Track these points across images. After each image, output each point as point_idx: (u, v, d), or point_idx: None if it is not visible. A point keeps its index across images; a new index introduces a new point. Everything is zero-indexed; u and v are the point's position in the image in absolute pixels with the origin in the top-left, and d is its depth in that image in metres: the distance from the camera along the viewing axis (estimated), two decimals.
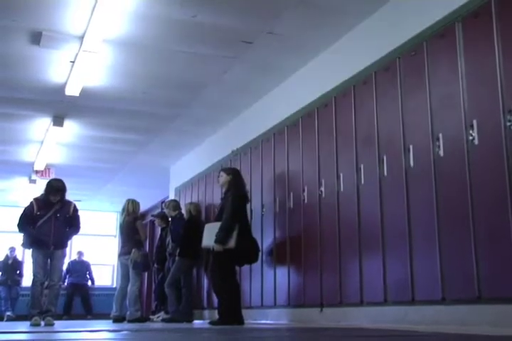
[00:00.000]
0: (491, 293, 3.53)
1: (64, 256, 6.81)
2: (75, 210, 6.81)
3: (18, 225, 6.67)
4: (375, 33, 5.02)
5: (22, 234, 6.76)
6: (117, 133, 8.57)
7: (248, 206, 6.21)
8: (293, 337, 3.40)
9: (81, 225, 6.88)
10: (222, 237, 5.48)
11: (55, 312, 6.71)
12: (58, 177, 8.65)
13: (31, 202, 6.73)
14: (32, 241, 6.58)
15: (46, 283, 6.74)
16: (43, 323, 6.34)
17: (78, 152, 9.47)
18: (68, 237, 6.85)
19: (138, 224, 7.99)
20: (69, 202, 6.80)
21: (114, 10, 4.89)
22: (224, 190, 6.06)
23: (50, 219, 6.57)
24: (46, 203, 6.63)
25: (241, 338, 3.31)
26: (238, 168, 6.64)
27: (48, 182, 6.78)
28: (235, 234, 5.50)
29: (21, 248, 8.21)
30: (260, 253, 6.00)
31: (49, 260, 6.63)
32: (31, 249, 6.66)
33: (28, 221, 6.62)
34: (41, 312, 6.45)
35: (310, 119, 5.79)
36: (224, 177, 6.05)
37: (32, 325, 6.21)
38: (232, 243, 5.49)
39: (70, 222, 6.73)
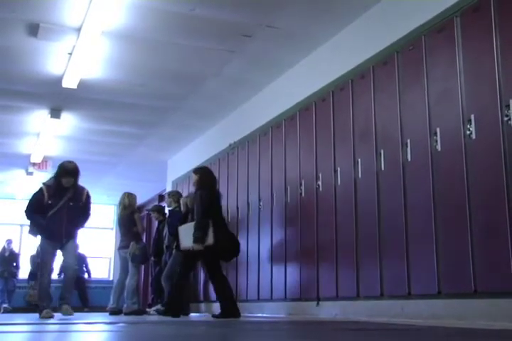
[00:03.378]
0: (486, 287, 3.55)
1: (75, 244, 6.21)
2: (88, 197, 6.15)
3: (25, 212, 6.00)
4: (374, 28, 5.01)
5: (29, 222, 6.20)
6: (115, 125, 8.55)
7: (247, 200, 6.20)
8: (289, 330, 3.41)
9: (91, 212, 6.26)
10: (199, 236, 5.62)
11: (70, 299, 6.02)
12: (55, 169, 8.64)
13: (41, 189, 6.00)
14: (42, 231, 5.99)
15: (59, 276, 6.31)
16: (54, 314, 5.73)
17: (75, 145, 9.46)
18: (80, 226, 6.20)
19: (136, 217, 8.00)
20: (82, 189, 6.11)
21: (111, 2, 4.87)
22: (194, 190, 6.18)
23: (62, 208, 5.90)
24: (58, 190, 5.93)
25: (237, 331, 3.33)
26: (208, 167, 6.64)
27: (60, 165, 6.09)
28: (210, 231, 5.65)
29: (23, 239, 7.94)
30: (240, 246, 6.09)
31: (59, 250, 6.06)
32: (40, 239, 6.06)
33: (38, 208, 5.93)
34: (49, 304, 5.83)
35: (308, 113, 5.79)
36: (193, 178, 6.19)
37: (43, 317, 5.63)
38: (210, 240, 5.63)
39: (82, 210, 6.09)
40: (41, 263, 6.03)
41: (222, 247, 5.73)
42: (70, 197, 5.95)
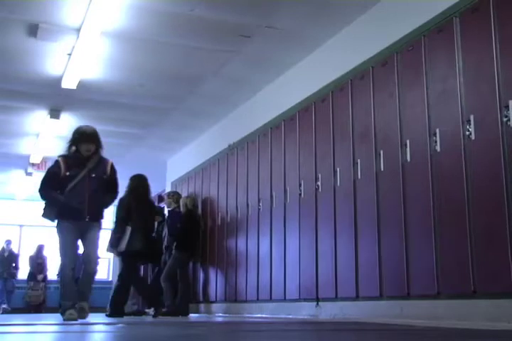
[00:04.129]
0: (486, 288, 3.55)
1: (100, 229, 5.24)
2: (114, 170, 5.28)
3: (40, 190, 5.17)
4: (373, 28, 5.01)
5: (44, 203, 5.23)
6: (114, 126, 8.55)
7: (246, 200, 6.22)
8: (289, 331, 3.41)
9: (119, 190, 5.45)
10: (111, 242, 6.25)
11: (85, 304, 5.13)
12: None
13: (57, 161, 5.16)
14: (60, 210, 5.06)
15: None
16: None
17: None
18: (106, 205, 5.33)
19: None
20: (105, 160, 5.27)
21: (111, 2, 4.87)
22: None
23: (83, 180, 5.06)
24: (77, 160, 5.10)
25: (237, 331, 3.32)
26: (143, 175, 6.94)
27: (77, 129, 5.26)
28: (126, 237, 6.17)
29: (22, 240, 7.72)
30: (158, 251, 6.90)
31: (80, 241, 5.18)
32: (57, 223, 5.12)
33: (54, 184, 5.10)
34: (74, 304, 4.98)
35: (307, 114, 5.79)
36: None
37: (66, 319, 4.84)
38: (122, 246, 6.21)
39: (107, 185, 5.22)
40: (60, 255, 5.06)
41: (135, 252, 6.33)
42: (92, 167, 5.10)
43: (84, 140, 5.12)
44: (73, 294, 5.01)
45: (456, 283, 3.76)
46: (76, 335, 3.22)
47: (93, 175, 5.10)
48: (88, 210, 5.05)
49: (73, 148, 5.17)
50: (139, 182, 6.76)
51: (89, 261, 5.15)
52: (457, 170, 3.81)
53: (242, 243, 6.89)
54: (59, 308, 5.79)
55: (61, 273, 5.21)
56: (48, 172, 5.21)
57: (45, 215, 5.16)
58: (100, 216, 5.22)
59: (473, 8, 3.86)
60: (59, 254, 5.07)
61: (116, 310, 6.45)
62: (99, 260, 5.35)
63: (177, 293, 7.53)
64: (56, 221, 5.13)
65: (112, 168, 5.25)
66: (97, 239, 5.20)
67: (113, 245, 6.40)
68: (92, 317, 5.48)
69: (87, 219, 5.06)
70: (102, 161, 5.22)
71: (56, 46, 5.84)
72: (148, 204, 6.84)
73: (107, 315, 6.53)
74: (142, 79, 6.78)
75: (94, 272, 5.21)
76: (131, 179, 6.80)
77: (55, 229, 5.12)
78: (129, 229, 6.33)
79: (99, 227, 5.21)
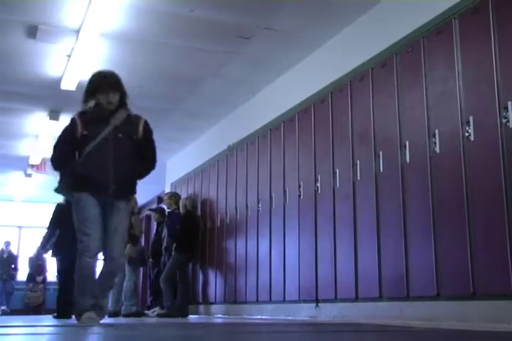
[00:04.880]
0: (485, 290, 3.55)
1: (129, 211, 4.17)
2: (148, 130, 4.12)
3: (51, 158, 4.09)
4: (372, 29, 5.02)
5: (58, 174, 4.20)
6: None
7: (245, 202, 6.21)
8: (288, 332, 3.40)
9: (157, 157, 4.18)
10: (40, 246, 6.84)
11: (102, 302, 4.14)
12: (53, 171, 8.64)
13: (72, 119, 4.03)
14: (77, 180, 3.96)
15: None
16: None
17: None
18: (138, 176, 4.11)
19: (134, 219, 7.98)
20: (135, 116, 4.11)
21: (110, 3, 4.87)
22: None
23: (106, 141, 3.92)
24: (97, 116, 3.97)
25: (236, 333, 3.32)
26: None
27: (94, 74, 4.07)
28: (51, 242, 6.68)
29: (22, 241, 7.70)
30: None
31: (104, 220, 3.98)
32: (75, 197, 3.98)
33: (69, 149, 4.00)
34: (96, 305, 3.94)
35: (306, 115, 5.79)
36: None
37: (82, 323, 3.83)
38: (47, 247, 6.78)
39: (140, 150, 4.06)
40: (81, 231, 3.90)
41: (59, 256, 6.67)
42: (118, 125, 3.98)
43: (104, 88, 3.95)
44: (95, 290, 3.95)
45: (456, 284, 3.76)
46: (73, 336, 3.22)
47: (120, 135, 3.95)
48: (113, 181, 3.88)
49: (91, 102, 4.03)
50: None
51: (112, 256, 3.98)
52: (456, 172, 3.81)
53: (242, 244, 6.89)
54: (63, 309, 5.82)
55: (80, 262, 3.92)
56: (62, 133, 4.05)
57: (59, 190, 4.15)
58: (130, 191, 4.07)
59: (473, 9, 3.87)
60: (78, 235, 3.92)
61: (62, 311, 6.42)
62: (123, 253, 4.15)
63: (176, 294, 7.53)
64: (74, 194, 4.00)
65: (146, 126, 4.09)
66: (123, 224, 4.02)
67: (44, 246, 6.94)
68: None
69: (110, 193, 3.89)
70: (131, 118, 4.07)
71: (55, 47, 5.84)
72: None
73: (54, 317, 6.63)
74: (141, 80, 6.78)
75: (117, 270, 4.22)
76: None
77: (73, 206, 4.02)
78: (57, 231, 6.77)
79: (128, 208, 4.07)
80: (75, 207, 3.97)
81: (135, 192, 4.16)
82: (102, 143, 3.92)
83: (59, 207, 6.86)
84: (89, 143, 3.92)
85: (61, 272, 6.78)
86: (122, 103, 4.07)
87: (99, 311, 4.02)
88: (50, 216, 6.98)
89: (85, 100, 4.04)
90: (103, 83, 3.99)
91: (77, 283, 4.00)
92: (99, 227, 3.92)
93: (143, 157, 4.09)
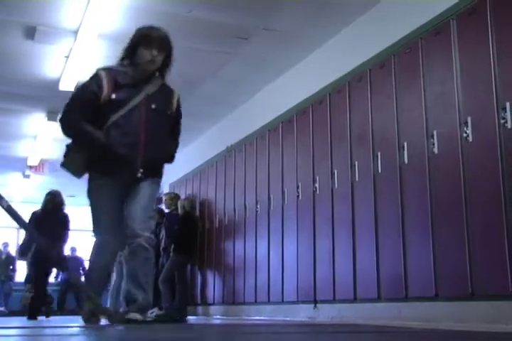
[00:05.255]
0: (483, 290, 3.55)
1: (158, 190, 3.50)
2: (180, 107, 3.60)
3: (62, 119, 3.26)
4: (371, 30, 5.02)
5: (66, 144, 3.30)
6: None
7: (244, 203, 6.21)
8: (287, 333, 3.40)
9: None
10: (18, 253, 7.27)
11: (147, 300, 3.42)
12: (52, 172, 8.58)
13: (97, 76, 3.24)
14: (96, 158, 3.23)
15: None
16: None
17: None
18: (170, 156, 3.57)
19: None
20: (170, 88, 3.50)
21: (108, 4, 4.87)
22: None
23: (137, 112, 3.24)
24: (131, 77, 3.28)
25: (235, 334, 3.32)
26: (56, 191, 7.41)
27: (144, 26, 3.44)
28: (32, 248, 6.81)
29: (20, 242, 7.68)
30: (58, 261, 7.22)
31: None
32: (90, 180, 3.32)
33: (88, 111, 3.22)
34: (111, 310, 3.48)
35: (305, 116, 5.79)
36: None
37: (86, 321, 3.39)
38: (28, 256, 7.01)
39: (172, 126, 3.52)
40: (97, 224, 3.34)
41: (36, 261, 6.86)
42: (152, 94, 3.31)
43: (151, 41, 3.28)
44: (103, 290, 3.60)
45: (454, 285, 3.76)
46: (68, 338, 3.21)
47: (153, 106, 3.31)
48: (143, 163, 3.25)
49: (127, 61, 3.34)
50: (46, 198, 7.33)
51: (140, 243, 3.29)
52: (455, 172, 3.81)
53: (240, 245, 6.88)
54: (56, 311, 5.89)
55: (97, 257, 3.41)
56: (80, 90, 3.29)
57: (67, 164, 3.25)
58: (160, 171, 3.45)
59: (470, 10, 3.87)
60: (93, 230, 3.38)
61: (32, 313, 6.96)
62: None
63: (175, 296, 7.52)
64: (88, 177, 3.34)
65: (179, 102, 3.54)
66: (150, 200, 3.39)
67: (23, 254, 7.22)
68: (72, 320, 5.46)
69: (139, 175, 3.24)
70: (166, 89, 3.45)
71: (54, 48, 5.84)
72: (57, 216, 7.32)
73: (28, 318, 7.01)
74: None
75: (151, 257, 3.47)
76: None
77: (86, 191, 3.34)
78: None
79: (157, 189, 3.44)
80: (91, 192, 3.32)
81: (162, 173, 3.48)
82: (133, 114, 3.23)
83: (34, 215, 7.04)
84: (115, 111, 3.19)
85: (33, 278, 7.24)
86: (163, 71, 3.40)
87: (143, 312, 3.45)
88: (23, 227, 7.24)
89: (125, 54, 3.36)
90: (152, 35, 3.32)
91: (90, 283, 3.50)
92: (119, 221, 3.30)
93: (172, 130, 3.53)
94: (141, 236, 3.29)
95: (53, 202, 7.24)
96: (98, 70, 3.29)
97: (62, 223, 7.28)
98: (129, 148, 3.24)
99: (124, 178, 3.30)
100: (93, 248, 3.41)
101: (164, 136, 3.44)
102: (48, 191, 7.46)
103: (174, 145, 3.62)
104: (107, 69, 3.31)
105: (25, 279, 12.78)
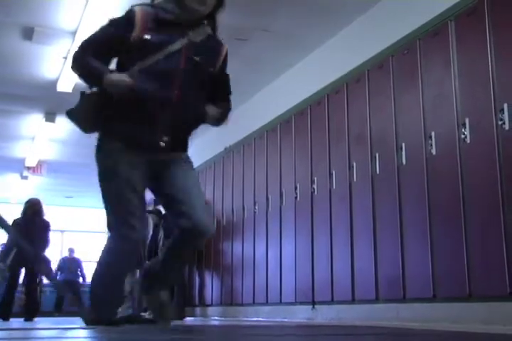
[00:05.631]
0: (481, 292, 3.55)
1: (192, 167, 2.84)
2: (226, 60, 2.86)
3: (75, 56, 2.64)
4: (369, 31, 5.02)
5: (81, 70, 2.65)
6: None
7: (242, 204, 6.19)
8: (285, 335, 3.40)
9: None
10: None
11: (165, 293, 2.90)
12: (50, 173, 8.57)
13: (131, 12, 2.65)
14: (112, 117, 2.64)
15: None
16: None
17: (70, 148, 9.43)
18: (214, 119, 2.85)
19: None
20: (220, 40, 2.87)
21: (107, 5, 4.87)
22: None
23: (174, 58, 2.59)
24: (174, 18, 2.63)
25: (233, 335, 3.32)
26: (35, 199, 7.62)
27: None
28: (11, 254, 7.12)
29: None
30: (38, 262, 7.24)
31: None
32: (101, 150, 2.79)
33: (106, 54, 2.63)
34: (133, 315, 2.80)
35: (303, 117, 5.79)
36: None
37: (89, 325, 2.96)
38: (7, 262, 7.33)
39: (213, 87, 2.79)
40: (114, 214, 2.73)
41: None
42: (196, 42, 2.68)
43: None
44: (123, 290, 3.01)
45: (452, 286, 3.76)
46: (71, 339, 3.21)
47: (196, 58, 2.65)
48: (172, 128, 2.61)
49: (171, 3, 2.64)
50: (26, 205, 7.49)
51: (200, 230, 2.61)
52: (453, 173, 3.81)
53: (238, 246, 6.88)
54: (54, 313, 5.84)
55: (108, 259, 2.71)
56: (102, 30, 2.67)
57: (74, 112, 2.68)
58: (186, 146, 2.81)
59: (469, 11, 3.87)
60: (108, 221, 2.74)
61: (4, 312, 7.27)
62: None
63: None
64: (98, 142, 2.79)
65: (227, 58, 2.85)
66: (198, 185, 2.80)
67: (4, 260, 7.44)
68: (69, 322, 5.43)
69: (162, 143, 2.60)
70: (215, 40, 2.81)
71: (52, 49, 5.84)
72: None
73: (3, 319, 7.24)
74: None
75: (202, 242, 2.75)
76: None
77: (97, 164, 2.79)
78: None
79: (190, 164, 2.81)
80: (104, 169, 2.79)
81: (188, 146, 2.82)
82: (169, 62, 2.56)
83: (15, 222, 7.15)
84: (145, 56, 2.54)
85: (8, 282, 7.58)
86: (212, 17, 2.79)
87: (165, 311, 3.00)
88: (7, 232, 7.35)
89: None
90: None
91: (105, 282, 2.77)
92: (142, 210, 2.69)
93: (214, 94, 2.82)
94: (209, 233, 2.65)
95: (33, 209, 7.40)
96: (133, 6, 2.67)
97: (42, 230, 7.42)
98: (156, 107, 2.55)
99: (148, 151, 2.60)
100: (106, 247, 2.71)
101: (203, 99, 2.72)
102: (26, 200, 7.73)
103: (222, 107, 2.86)
104: (145, 5, 2.68)
105: (23, 281, 12.79)
